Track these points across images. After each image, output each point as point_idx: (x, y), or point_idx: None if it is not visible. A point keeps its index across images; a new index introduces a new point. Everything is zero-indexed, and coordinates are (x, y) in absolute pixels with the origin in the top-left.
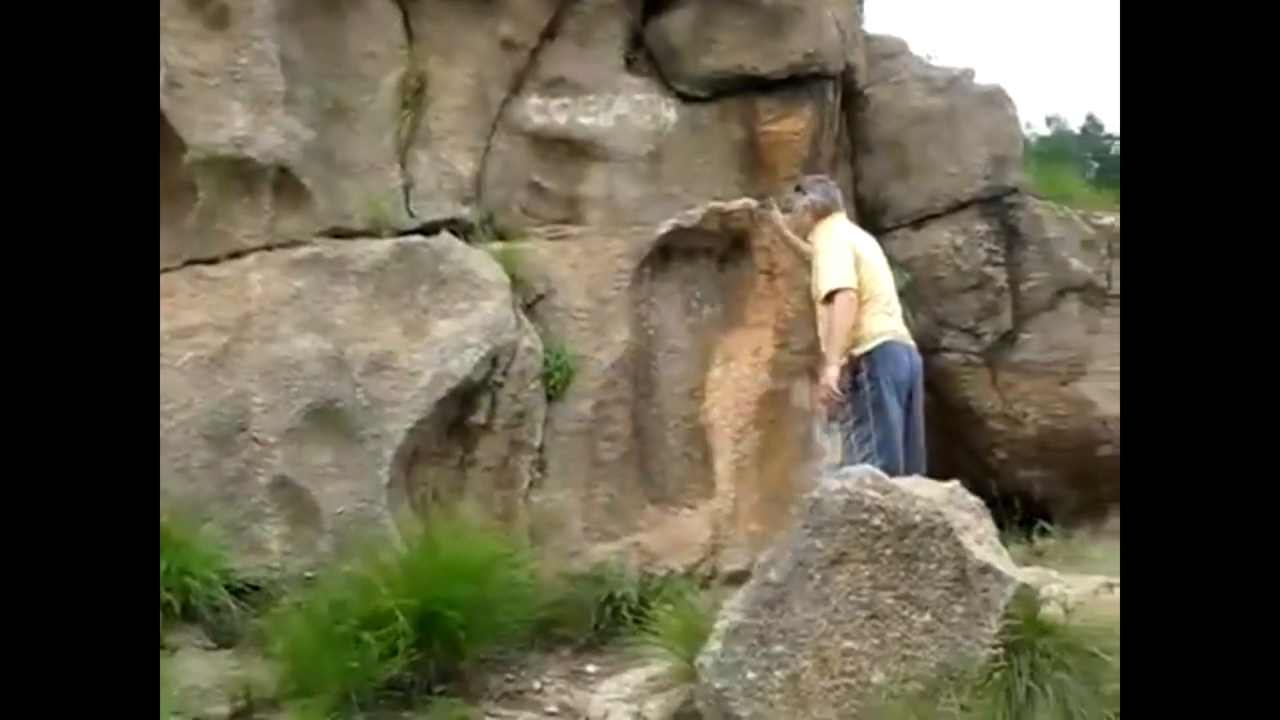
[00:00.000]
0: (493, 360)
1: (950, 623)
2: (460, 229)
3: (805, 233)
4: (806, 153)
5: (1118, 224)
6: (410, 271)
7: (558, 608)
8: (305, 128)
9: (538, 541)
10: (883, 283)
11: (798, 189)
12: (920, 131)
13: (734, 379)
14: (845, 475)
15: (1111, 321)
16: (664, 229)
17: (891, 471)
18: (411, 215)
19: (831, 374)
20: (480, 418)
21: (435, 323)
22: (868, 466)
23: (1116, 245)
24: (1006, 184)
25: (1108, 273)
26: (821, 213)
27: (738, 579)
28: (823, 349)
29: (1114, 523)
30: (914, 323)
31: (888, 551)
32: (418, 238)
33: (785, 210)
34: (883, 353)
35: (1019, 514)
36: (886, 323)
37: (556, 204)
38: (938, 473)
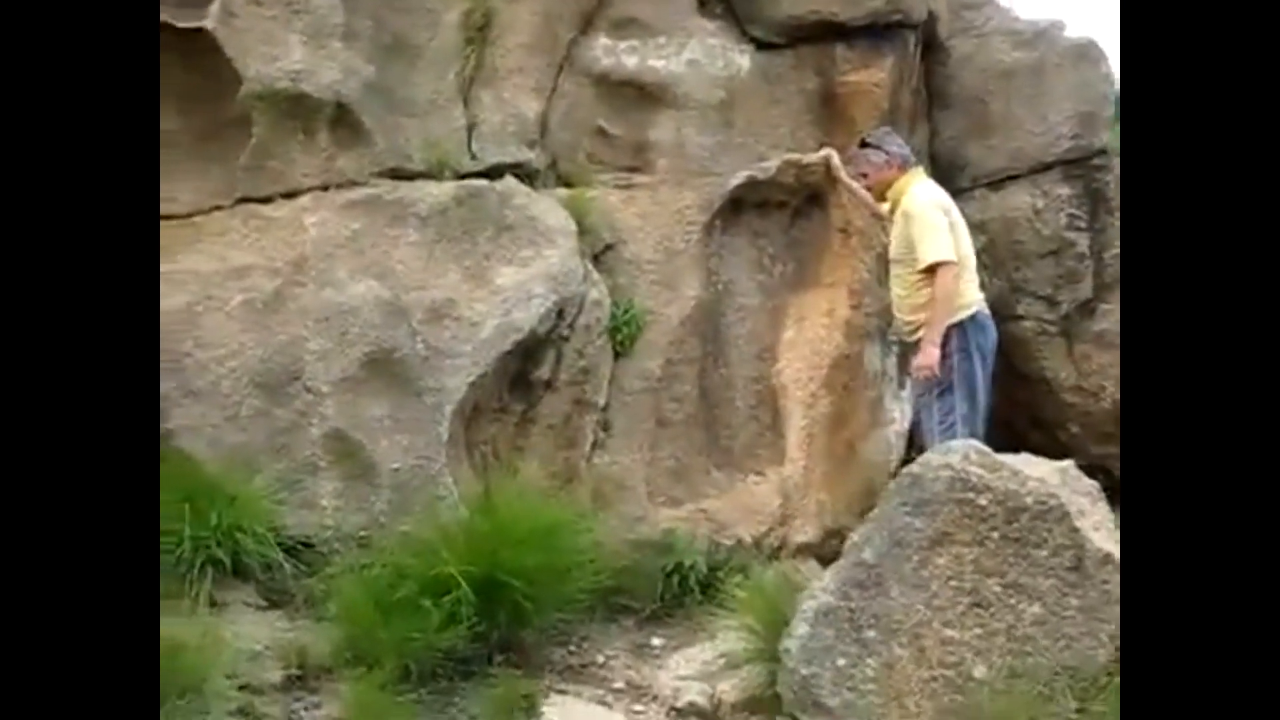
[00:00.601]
0: (558, 312)
1: (1064, 616)
2: (524, 173)
3: (885, 189)
4: (886, 105)
5: None
6: (472, 216)
7: (621, 576)
8: (365, 63)
9: (601, 505)
10: (969, 248)
11: (865, 144)
12: (1004, 87)
13: (807, 340)
14: (948, 450)
15: None
16: (737, 180)
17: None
18: (474, 157)
19: (934, 353)
20: (544, 373)
21: (499, 270)
22: (972, 441)
23: None
24: (1094, 145)
25: None
26: (904, 168)
27: (807, 550)
28: (931, 317)
29: None
30: (990, 287)
31: (994, 535)
32: (481, 181)
33: (852, 164)
34: (974, 323)
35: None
36: (975, 291)
37: (623, 150)
38: (1002, 443)
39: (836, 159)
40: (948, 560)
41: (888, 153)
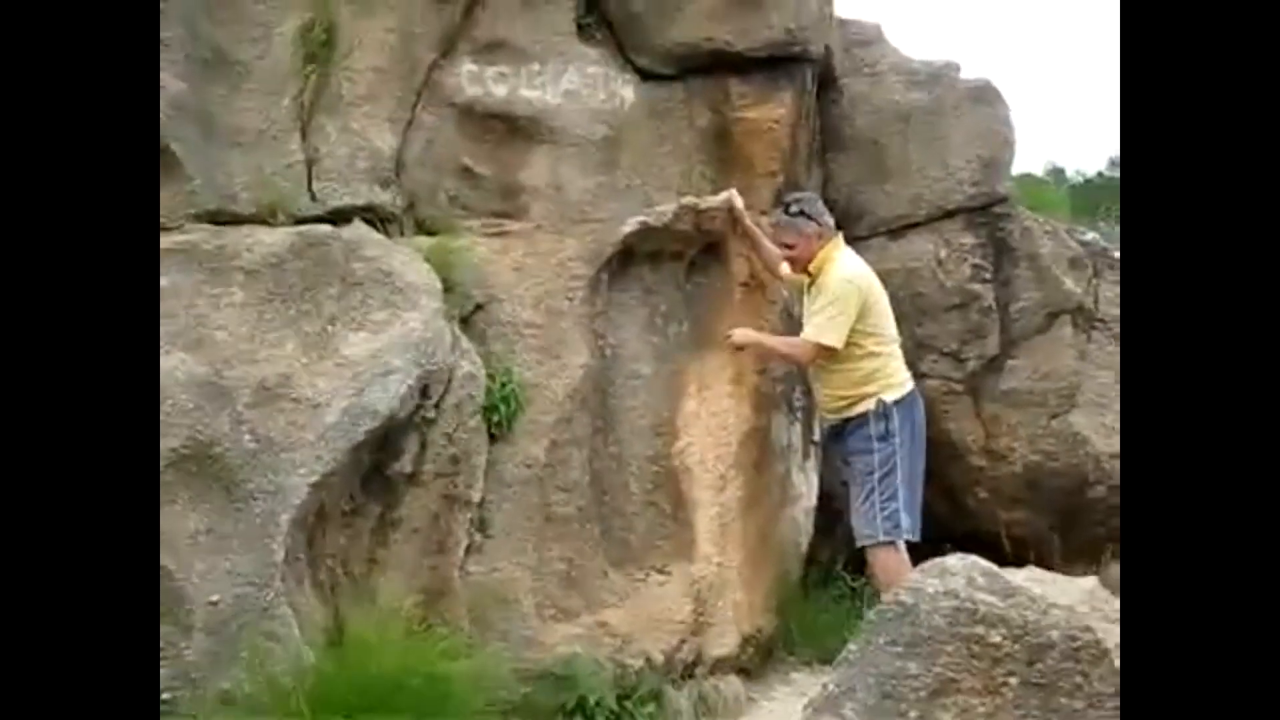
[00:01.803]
0: (422, 390)
1: None
2: (377, 218)
3: (807, 260)
4: (786, 145)
5: (1101, 242)
6: (313, 270)
7: (511, 717)
8: (174, 79)
9: (481, 626)
10: (893, 325)
11: (791, 210)
12: (900, 129)
13: (712, 413)
14: (945, 569)
15: (1099, 349)
16: (629, 227)
17: (915, 532)
18: (315, 199)
19: (752, 336)
20: (405, 465)
21: (346, 338)
22: (974, 559)
23: (1102, 264)
24: (997, 192)
25: (1095, 294)
26: (828, 235)
27: (726, 664)
28: (775, 342)
29: (1108, 573)
30: None
31: (1013, 680)
32: (323, 227)
33: (775, 229)
34: (908, 403)
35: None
36: (905, 370)
37: (492, 193)
38: None
39: (739, 202)
40: (954, 716)
41: (820, 223)
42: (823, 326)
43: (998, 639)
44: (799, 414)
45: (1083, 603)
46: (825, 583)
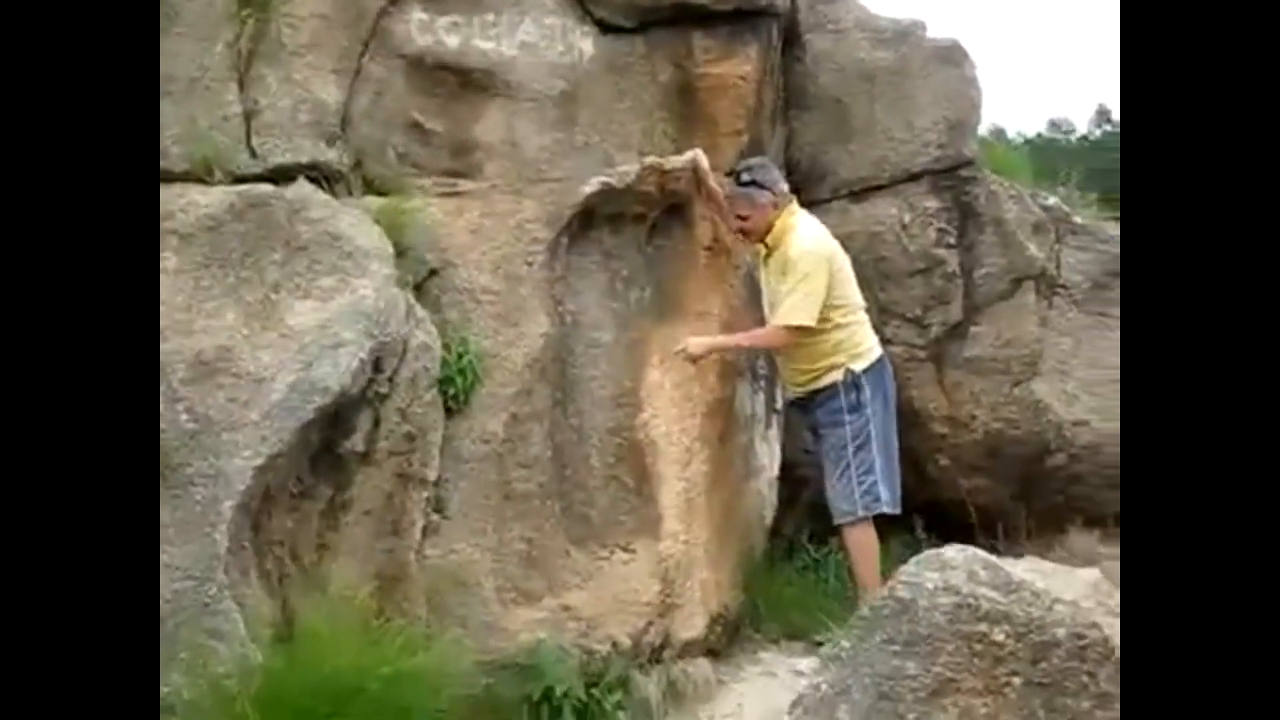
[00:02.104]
0: (375, 362)
1: None
2: (322, 176)
3: (768, 232)
4: (752, 102)
5: (1063, 206)
6: (254, 233)
7: (475, 714)
8: None
9: (438, 611)
10: (857, 291)
11: (744, 180)
12: (865, 89)
13: (675, 384)
14: (944, 562)
15: (1060, 315)
16: (590, 188)
17: (894, 504)
18: (255, 155)
19: (705, 345)
20: (357, 442)
21: (291, 307)
22: (973, 550)
23: (1064, 229)
24: (963, 155)
25: (1058, 260)
26: (783, 203)
27: (695, 646)
28: (737, 339)
29: (1070, 541)
30: None
31: (1016, 680)
32: (264, 186)
33: (726, 200)
34: (877, 369)
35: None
36: (872, 335)
37: (443, 150)
38: None
39: (705, 162)
40: (955, 717)
41: (773, 191)
42: (795, 306)
43: (1000, 637)
44: (762, 382)
45: (1087, 597)
46: (789, 555)
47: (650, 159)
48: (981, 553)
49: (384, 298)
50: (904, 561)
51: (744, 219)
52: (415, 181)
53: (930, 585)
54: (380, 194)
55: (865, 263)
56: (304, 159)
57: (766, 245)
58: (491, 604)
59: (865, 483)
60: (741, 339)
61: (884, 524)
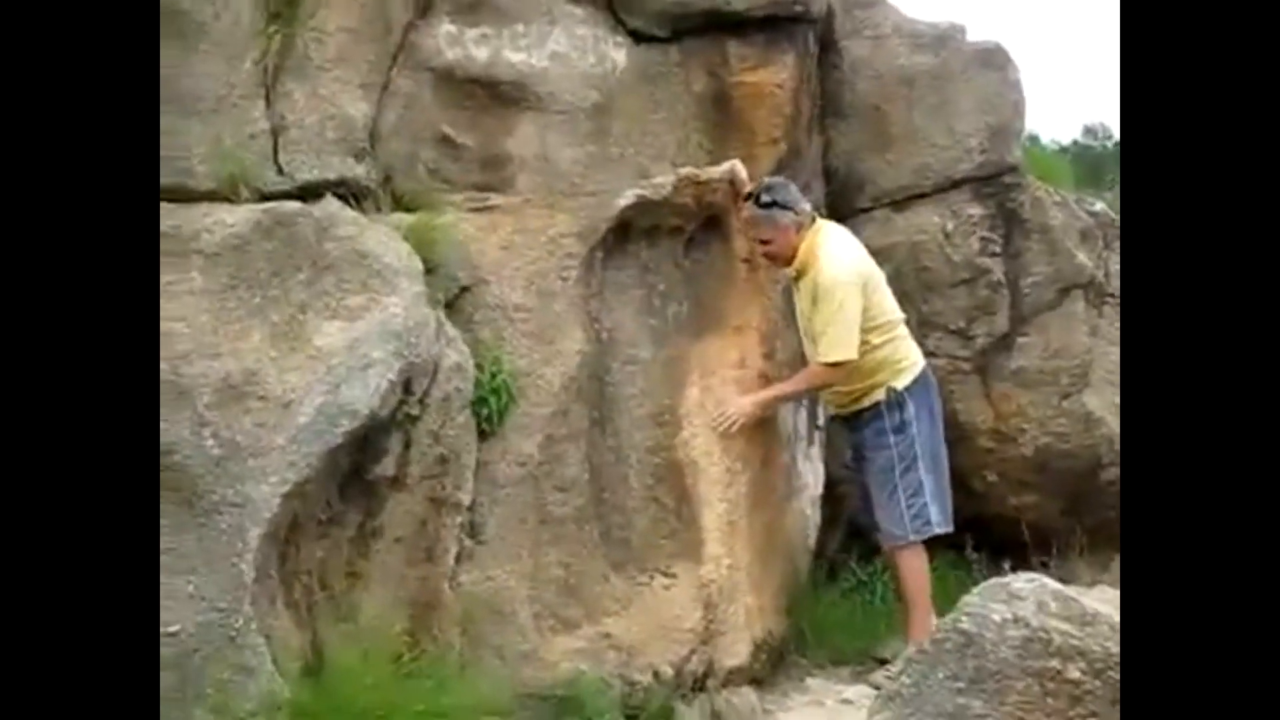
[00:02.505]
0: (405, 384)
1: None
2: (350, 193)
3: (789, 256)
4: (789, 111)
5: (1110, 212)
6: (281, 252)
7: None
8: None
9: (473, 640)
10: (894, 304)
11: (763, 201)
12: (904, 95)
13: (717, 402)
14: (1010, 593)
15: (1110, 324)
16: (625, 201)
17: (946, 523)
18: (281, 172)
19: (747, 407)
20: (388, 467)
21: (319, 328)
22: (1042, 579)
23: (1111, 235)
24: (1006, 161)
25: (1106, 267)
26: (805, 225)
27: (740, 675)
28: (781, 390)
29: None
30: None
31: None
32: (291, 204)
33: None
34: (922, 383)
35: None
36: (915, 348)
37: (474, 164)
38: None
39: (743, 173)
40: None
41: (795, 211)
42: (834, 342)
43: (1076, 674)
44: (804, 399)
45: None
46: (834, 576)
47: (686, 170)
48: (1051, 582)
49: (414, 316)
50: (952, 582)
51: (766, 243)
52: (446, 197)
53: (997, 618)
54: (410, 210)
55: (907, 273)
56: (331, 175)
57: (797, 269)
58: (529, 632)
59: (914, 505)
60: (786, 388)
61: (931, 542)
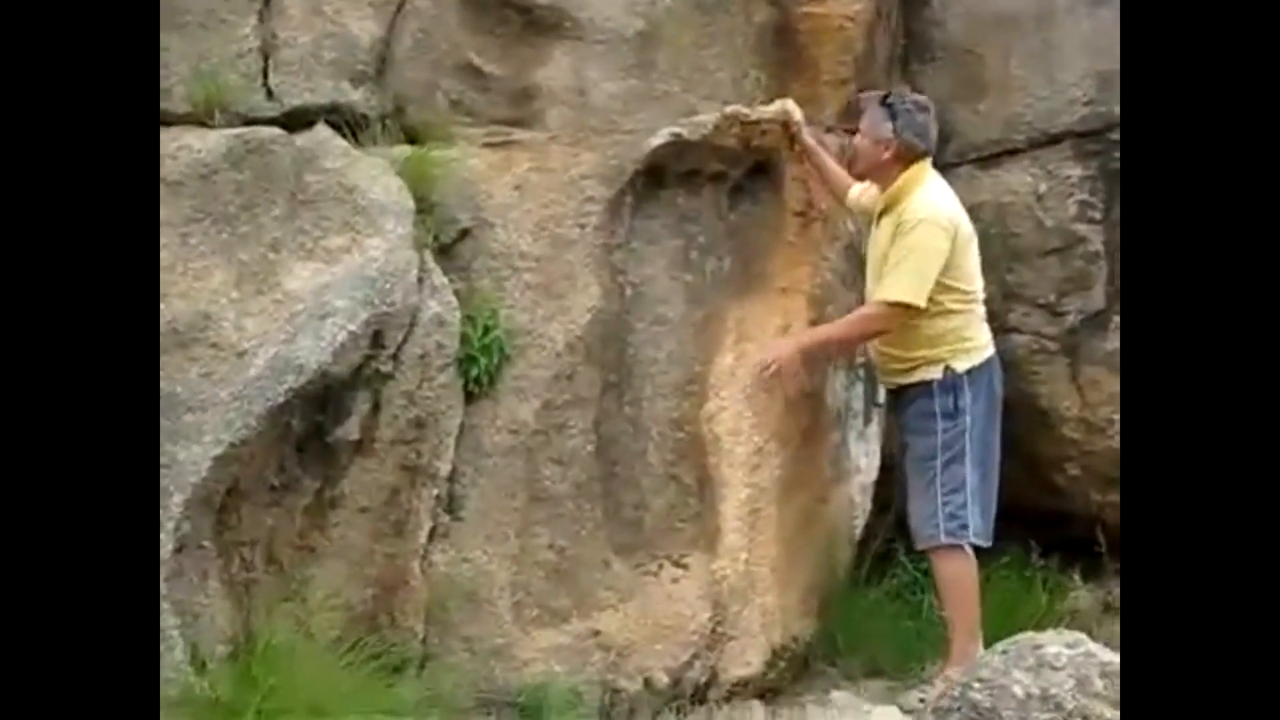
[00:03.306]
0: (374, 336)
1: None
2: (346, 121)
3: (872, 173)
4: (861, 48)
5: None
6: (254, 183)
7: None
8: None
9: (441, 628)
10: (979, 273)
11: (886, 99)
12: (1001, 38)
13: (751, 370)
14: (1041, 658)
15: None
16: (658, 140)
17: (986, 535)
18: (271, 96)
19: (788, 351)
20: (351, 430)
21: (290, 269)
22: (1085, 643)
23: None
24: (1115, 113)
25: None
26: (909, 158)
27: (747, 687)
28: (829, 330)
29: None
30: None
31: None
32: (269, 130)
33: (849, 122)
34: (989, 372)
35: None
36: (986, 329)
37: (502, 97)
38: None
39: (798, 114)
40: None
41: (901, 137)
42: (902, 279)
43: None
44: (861, 371)
45: None
46: (881, 573)
47: (731, 108)
48: (1098, 649)
49: (394, 261)
50: (1010, 592)
51: (852, 134)
52: (465, 131)
53: (1020, 691)
54: (421, 144)
55: (992, 238)
56: (323, 100)
57: (884, 203)
58: (505, 623)
59: (951, 503)
60: (836, 329)
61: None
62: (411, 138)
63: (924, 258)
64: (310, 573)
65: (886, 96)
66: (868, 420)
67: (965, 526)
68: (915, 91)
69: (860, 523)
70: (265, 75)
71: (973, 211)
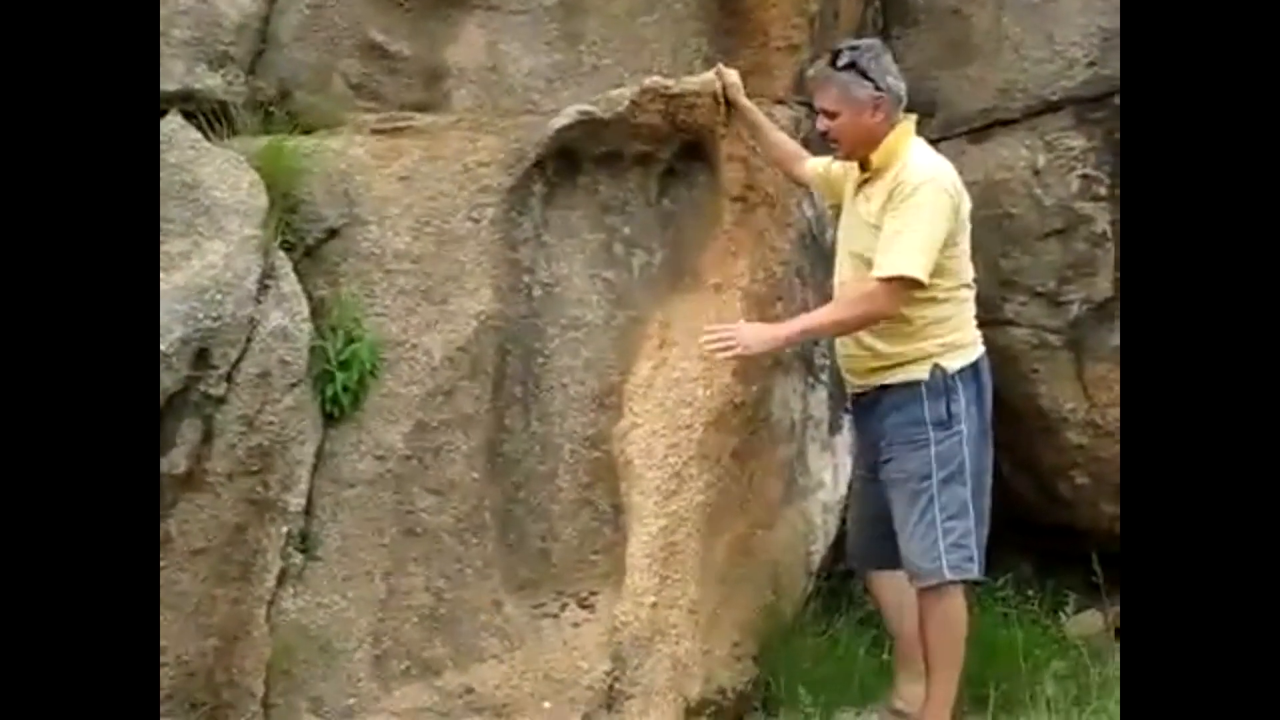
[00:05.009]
0: (197, 354)
1: None
2: (204, 110)
3: (861, 144)
4: (816, 8)
5: None
6: None
7: None
8: None
9: (287, 686)
10: (969, 261)
11: (840, 63)
12: None
13: (671, 381)
14: None
15: None
16: (562, 120)
17: (981, 567)
18: None
19: (769, 336)
20: (175, 462)
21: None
22: None
23: None
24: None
25: None
26: (892, 114)
27: None
28: (811, 319)
29: None
30: None
31: None
32: None
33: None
34: (978, 376)
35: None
36: (974, 325)
37: (413, 79)
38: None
39: (732, 77)
40: None
41: (879, 88)
42: (905, 252)
43: None
44: (823, 373)
45: None
46: (844, 603)
47: (650, 80)
48: None
49: (232, 268)
50: (1007, 615)
51: (832, 117)
52: (362, 118)
53: None
54: (310, 133)
55: (984, 220)
56: (173, 87)
57: (865, 168)
58: (360, 679)
59: (954, 531)
60: (822, 319)
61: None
62: (305, 128)
63: (930, 225)
64: None
65: (836, 58)
66: (835, 429)
67: (971, 559)
68: (895, 60)
69: (820, 548)
70: None
71: None
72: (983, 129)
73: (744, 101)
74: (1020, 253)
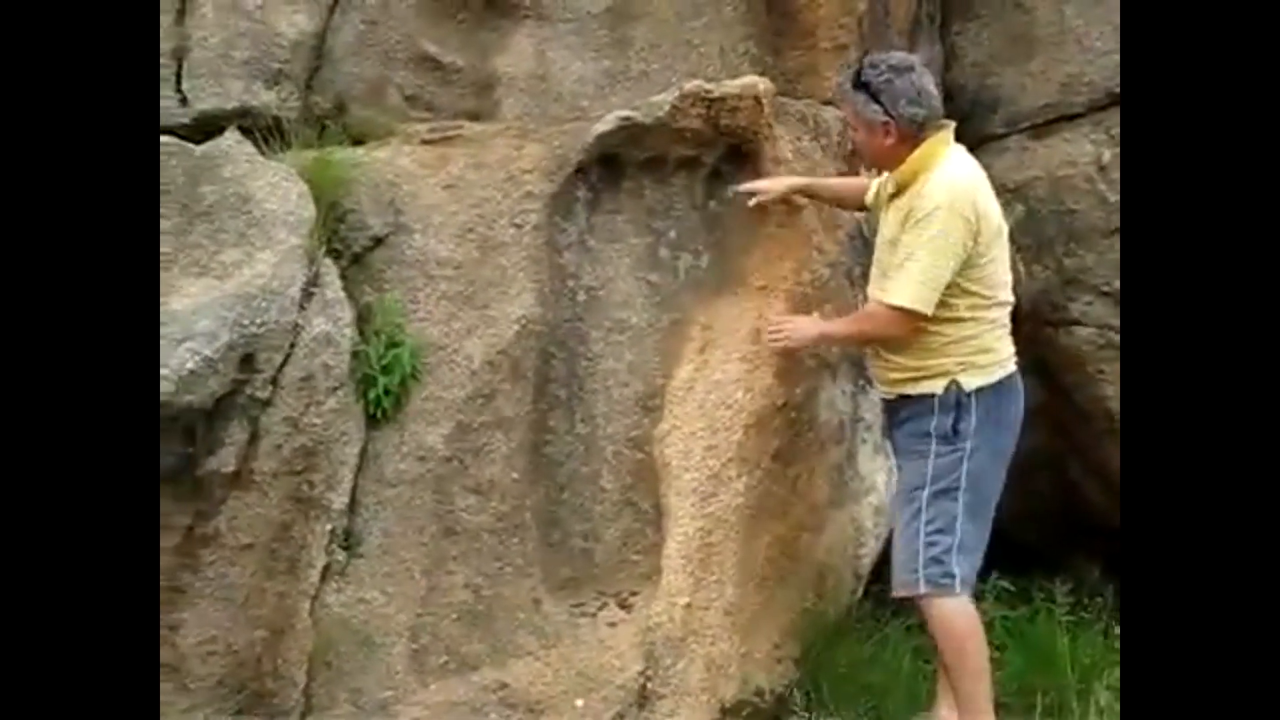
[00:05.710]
0: (243, 360)
1: None
2: (256, 127)
3: (882, 164)
4: (864, 6)
5: None
6: None
7: None
8: None
9: (328, 678)
10: (1006, 269)
11: (860, 79)
12: None
13: (712, 383)
14: None
15: None
16: (605, 126)
17: (969, 585)
18: (184, 102)
19: (805, 330)
20: (226, 461)
21: (180, 287)
22: None
23: None
24: None
25: None
26: (910, 135)
27: None
28: (834, 327)
29: None
30: (1030, 279)
31: None
32: (167, 138)
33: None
34: (1006, 394)
35: None
36: (1008, 342)
37: (465, 89)
38: (1046, 493)
39: (765, 83)
40: None
41: (891, 113)
42: (909, 282)
43: None
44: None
45: None
46: (891, 607)
47: (692, 84)
48: None
49: (279, 276)
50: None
51: (854, 130)
52: (414, 128)
53: None
54: (365, 146)
55: (1047, 218)
56: (231, 105)
57: (893, 185)
58: (398, 672)
59: (936, 545)
60: (836, 329)
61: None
62: (358, 139)
63: (937, 255)
64: (178, 617)
65: (858, 74)
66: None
67: (949, 575)
68: (955, 57)
69: (871, 551)
70: (179, 78)
71: (1023, 188)
72: (1046, 124)
73: (796, 184)
74: (1084, 250)
